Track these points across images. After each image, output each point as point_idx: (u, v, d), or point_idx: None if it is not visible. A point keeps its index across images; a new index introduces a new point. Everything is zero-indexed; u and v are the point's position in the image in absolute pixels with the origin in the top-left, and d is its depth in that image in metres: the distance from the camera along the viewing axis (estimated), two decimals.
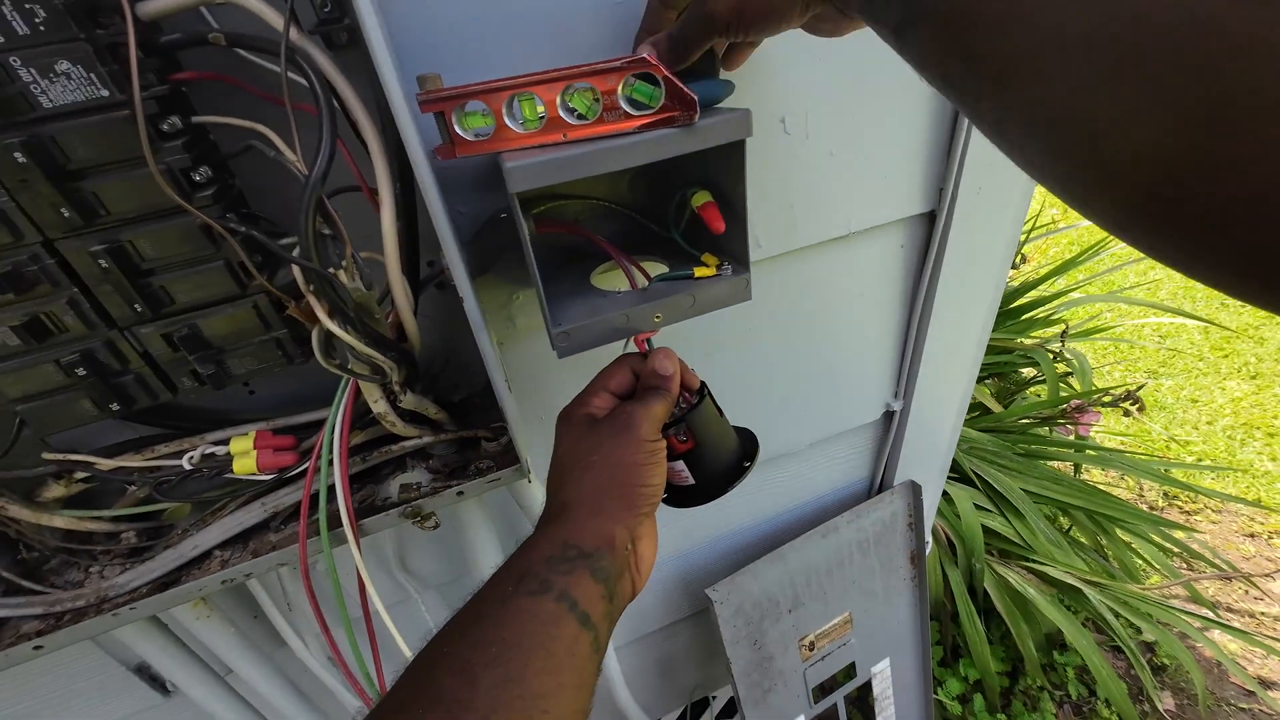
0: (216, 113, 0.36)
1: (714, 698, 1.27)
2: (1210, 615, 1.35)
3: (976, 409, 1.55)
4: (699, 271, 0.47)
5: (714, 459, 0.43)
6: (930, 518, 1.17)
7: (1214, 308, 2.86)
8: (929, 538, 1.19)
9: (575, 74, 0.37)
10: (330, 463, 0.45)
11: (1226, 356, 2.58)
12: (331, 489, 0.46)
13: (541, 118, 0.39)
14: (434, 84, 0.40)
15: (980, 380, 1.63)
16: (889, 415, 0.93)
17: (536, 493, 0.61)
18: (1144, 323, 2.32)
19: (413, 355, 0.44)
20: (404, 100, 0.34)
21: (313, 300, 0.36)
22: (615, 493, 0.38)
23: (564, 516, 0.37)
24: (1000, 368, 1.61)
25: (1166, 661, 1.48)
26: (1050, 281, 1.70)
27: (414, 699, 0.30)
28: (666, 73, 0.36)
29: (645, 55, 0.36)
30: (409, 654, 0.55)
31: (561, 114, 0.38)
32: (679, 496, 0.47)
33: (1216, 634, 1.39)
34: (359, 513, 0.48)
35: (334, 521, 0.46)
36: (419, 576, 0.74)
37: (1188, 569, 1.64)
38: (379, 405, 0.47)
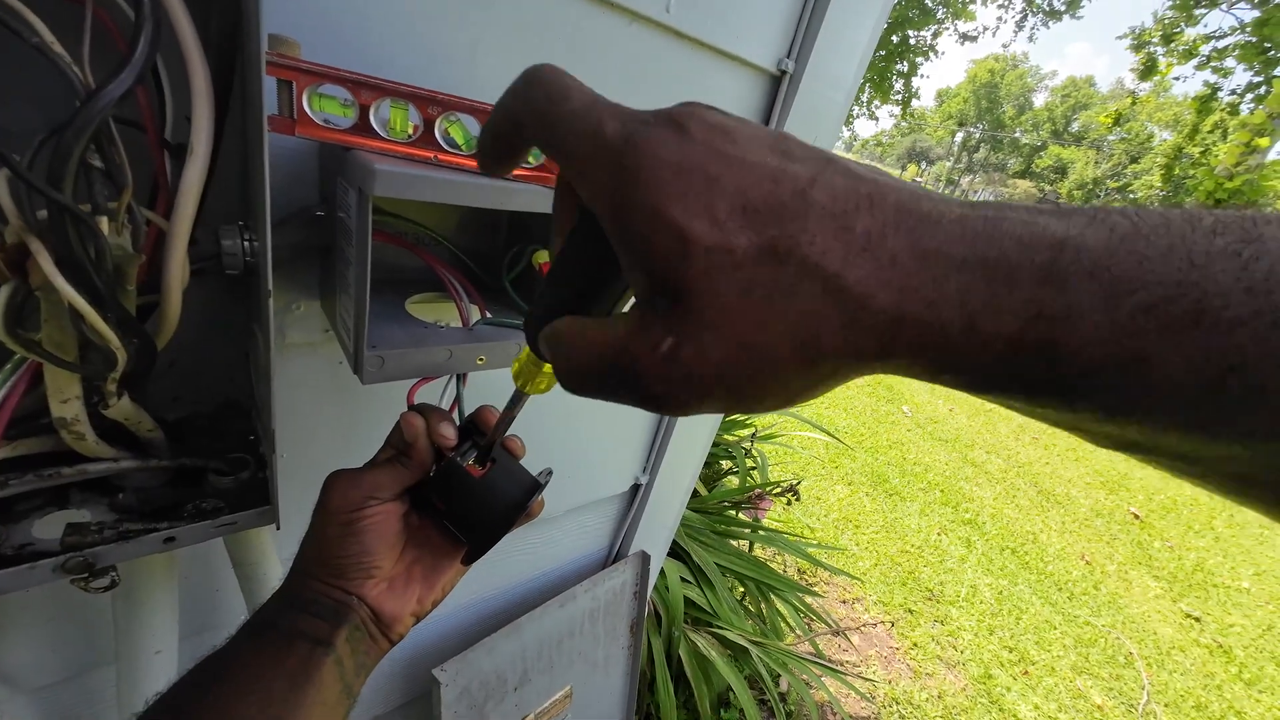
0: None
1: None
2: (825, 664, 1.76)
3: None
4: None
5: (470, 520, 0.41)
6: (651, 587, 1.28)
7: (836, 426, 3.99)
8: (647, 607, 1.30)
9: (464, 105, 0.37)
10: None
11: (838, 467, 3.59)
12: None
13: (412, 132, 0.37)
14: (289, 50, 0.35)
15: None
16: (635, 488, 1.03)
17: (271, 547, 0.49)
18: (796, 434, 3.09)
19: (154, 349, 0.34)
20: (264, 50, 0.29)
21: (35, 243, 0.26)
22: (318, 559, 0.38)
23: (291, 573, 0.39)
24: (708, 457, 1.94)
25: (793, 708, 1.86)
26: None
27: None
28: None
29: None
30: None
31: (436, 136, 0.37)
32: (469, 552, 0.44)
33: (827, 679, 1.82)
34: None
35: None
36: (6, 675, 0.50)
37: (811, 627, 2.13)
38: (68, 407, 0.33)
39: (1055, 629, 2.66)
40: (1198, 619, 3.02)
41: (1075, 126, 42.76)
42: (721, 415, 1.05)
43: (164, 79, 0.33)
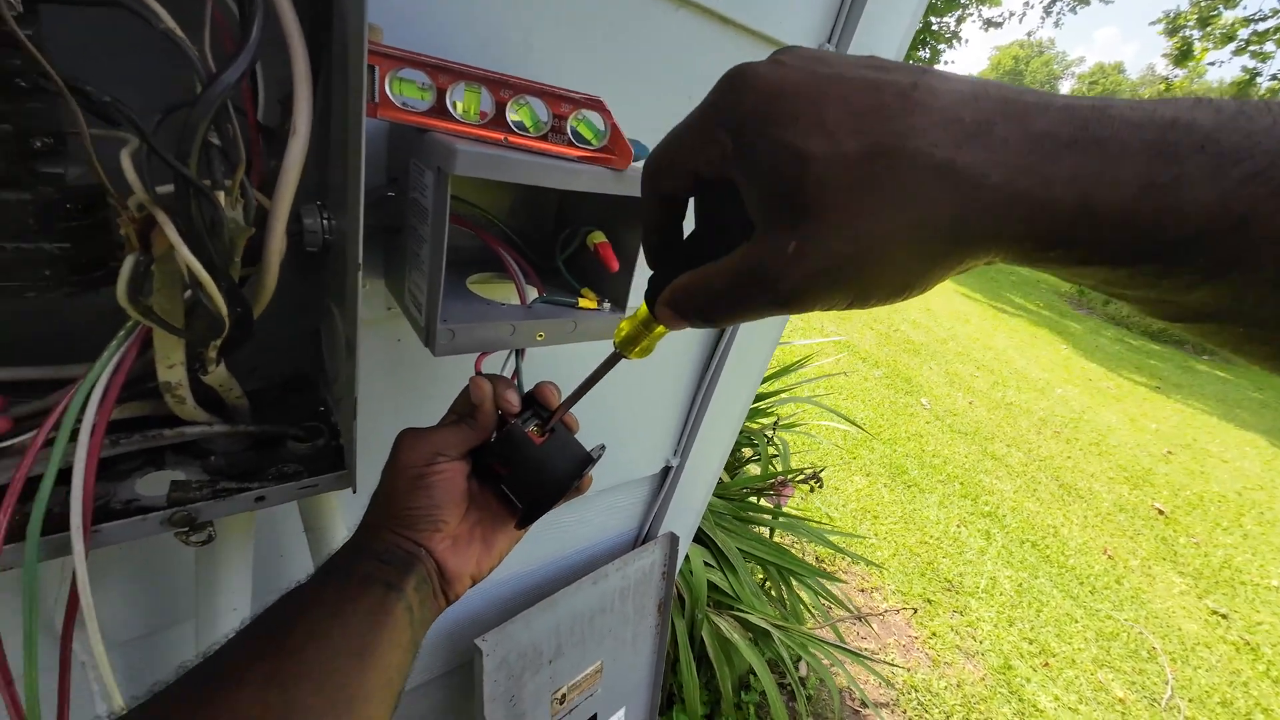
0: None
1: None
2: (846, 648, 1.78)
3: None
4: (582, 303, 0.50)
5: (527, 485, 0.43)
6: (679, 568, 1.31)
7: (855, 418, 3.98)
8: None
9: (533, 88, 0.39)
10: (74, 435, 0.32)
11: (856, 458, 3.58)
12: (64, 474, 0.33)
13: (483, 115, 0.39)
14: (374, 35, 0.37)
15: None
16: (666, 470, 1.05)
17: (339, 513, 0.52)
18: (816, 423, 3.09)
19: (252, 317, 0.36)
20: (366, 38, 0.31)
21: (161, 215, 0.28)
22: (389, 511, 0.40)
23: (360, 527, 0.41)
24: None
25: (813, 692, 1.88)
26: (770, 382, 2.17)
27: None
28: (614, 120, 0.41)
29: (603, 100, 0.40)
30: None
31: (507, 119, 0.39)
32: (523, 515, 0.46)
33: (848, 663, 1.84)
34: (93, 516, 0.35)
35: (51, 524, 0.33)
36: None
37: (830, 613, 2.14)
38: (173, 372, 0.36)
39: (1076, 622, 2.65)
40: (1224, 616, 2.98)
41: None
42: (752, 396, 1.06)
43: (258, 65, 0.35)
